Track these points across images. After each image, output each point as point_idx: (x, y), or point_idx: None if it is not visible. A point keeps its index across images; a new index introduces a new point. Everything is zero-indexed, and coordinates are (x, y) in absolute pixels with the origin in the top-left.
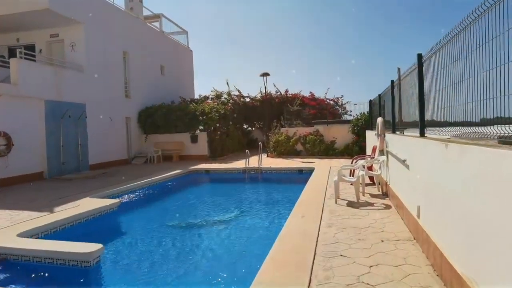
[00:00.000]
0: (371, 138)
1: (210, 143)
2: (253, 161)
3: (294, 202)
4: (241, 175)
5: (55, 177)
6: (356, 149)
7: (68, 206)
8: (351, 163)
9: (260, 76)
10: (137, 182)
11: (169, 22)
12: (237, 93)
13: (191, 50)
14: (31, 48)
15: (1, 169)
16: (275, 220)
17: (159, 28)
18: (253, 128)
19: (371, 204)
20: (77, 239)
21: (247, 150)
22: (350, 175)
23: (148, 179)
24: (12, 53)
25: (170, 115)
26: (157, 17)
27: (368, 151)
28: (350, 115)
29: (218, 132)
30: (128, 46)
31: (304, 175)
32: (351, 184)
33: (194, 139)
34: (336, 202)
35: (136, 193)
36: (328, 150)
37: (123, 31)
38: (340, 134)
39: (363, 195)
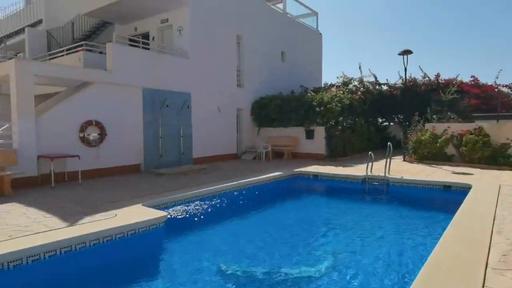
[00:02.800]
0: None
1: (329, 140)
2: (381, 167)
3: (423, 255)
4: (359, 185)
5: (151, 170)
6: None
7: (102, 216)
8: None
9: (399, 54)
10: (217, 186)
11: (295, 2)
12: (372, 79)
13: (320, 34)
14: (146, 37)
15: (91, 160)
16: None
17: (283, 10)
18: (391, 123)
19: None
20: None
21: (370, 152)
22: None
23: (233, 183)
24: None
25: (284, 106)
26: None
27: None
28: None
29: (339, 127)
30: (242, 29)
31: (452, 194)
32: None
33: (309, 135)
34: None
35: (210, 201)
36: (496, 158)
37: (237, 13)
38: None
39: None
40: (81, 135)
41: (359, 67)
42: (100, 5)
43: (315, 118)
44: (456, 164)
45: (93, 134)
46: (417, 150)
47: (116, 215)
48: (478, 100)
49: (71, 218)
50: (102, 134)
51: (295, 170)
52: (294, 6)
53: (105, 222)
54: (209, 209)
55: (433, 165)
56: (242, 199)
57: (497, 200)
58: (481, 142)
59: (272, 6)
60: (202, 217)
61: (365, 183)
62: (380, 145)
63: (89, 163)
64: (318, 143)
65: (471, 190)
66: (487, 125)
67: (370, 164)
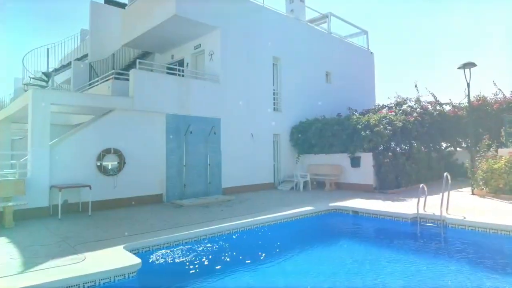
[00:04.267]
0: None
1: (378, 169)
2: (436, 202)
3: None
4: (409, 226)
5: (173, 201)
6: None
7: (69, 260)
8: None
9: (459, 68)
10: (230, 223)
11: (343, 22)
12: (430, 98)
13: (371, 53)
14: (181, 63)
15: (107, 190)
16: None
17: (327, 29)
18: (457, 148)
19: None
20: None
21: (421, 185)
22: None
23: (248, 220)
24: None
25: (325, 130)
26: (325, 17)
27: None
28: None
29: (390, 153)
30: (280, 51)
31: None
32: None
33: (354, 162)
34: None
35: (213, 244)
36: None
37: (274, 34)
38: None
39: None
40: (98, 163)
41: (415, 86)
42: (136, 35)
43: (360, 143)
44: None
45: (111, 162)
46: (489, 182)
47: (84, 259)
48: None
49: (33, 261)
50: (121, 162)
51: (331, 204)
52: (342, 26)
53: (62, 270)
54: (210, 256)
55: (511, 201)
56: (254, 244)
57: None
58: None
59: (316, 27)
60: (196, 265)
61: (416, 223)
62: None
63: (106, 193)
64: (366, 172)
65: None
66: None
67: (423, 199)
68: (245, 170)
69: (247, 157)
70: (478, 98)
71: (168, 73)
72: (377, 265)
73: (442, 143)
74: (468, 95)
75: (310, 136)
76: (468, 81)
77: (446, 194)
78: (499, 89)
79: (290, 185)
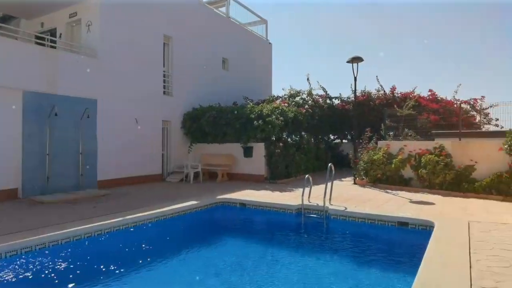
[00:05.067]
0: None
1: (269, 159)
2: (321, 192)
3: None
4: (294, 218)
5: (32, 197)
6: None
7: None
8: None
9: (348, 62)
10: (91, 225)
11: (242, 8)
12: (321, 92)
13: (269, 43)
14: (54, 34)
15: None
16: None
17: (226, 14)
18: (343, 140)
19: None
20: None
21: (307, 176)
22: None
23: (114, 220)
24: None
25: (220, 119)
26: (223, 0)
27: None
28: (497, 125)
29: (281, 144)
30: (172, 29)
31: (410, 235)
32: None
33: (247, 152)
34: None
35: (64, 252)
36: (460, 182)
37: (166, 11)
38: (483, 155)
39: None
40: None
41: (307, 79)
42: None
43: (253, 133)
44: (414, 189)
45: None
46: (369, 172)
47: None
48: (437, 116)
49: None
50: None
51: (219, 197)
52: (241, 13)
53: None
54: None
55: (388, 190)
56: (118, 250)
57: (470, 251)
58: (442, 163)
59: (215, 9)
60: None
61: (301, 215)
62: (334, 164)
63: None
64: (258, 163)
65: (434, 232)
66: (449, 144)
67: (305, 189)
68: (128, 160)
69: (130, 146)
70: (364, 93)
71: (36, 43)
72: (257, 265)
73: (330, 135)
74: (355, 89)
75: (203, 124)
76: (355, 75)
77: (330, 184)
78: (380, 85)
79: (180, 176)
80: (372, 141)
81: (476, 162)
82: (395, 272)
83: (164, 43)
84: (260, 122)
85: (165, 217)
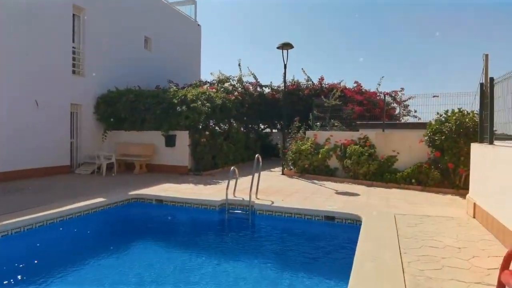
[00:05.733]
0: (488, 162)
1: (194, 149)
2: (248, 185)
3: None
4: (217, 215)
5: None
6: (435, 174)
7: None
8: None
9: (278, 48)
10: None
11: None
12: (252, 79)
13: (198, 25)
14: None
15: None
16: None
17: None
18: (273, 130)
19: None
20: None
21: (232, 167)
22: None
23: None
24: None
25: (138, 103)
26: None
27: (480, 187)
28: (416, 116)
29: (207, 132)
30: (85, 0)
31: (338, 229)
32: None
33: (169, 141)
34: None
35: None
36: (383, 172)
37: None
38: (405, 146)
39: None
40: None
41: (239, 64)
42: None
43: (176, 120)
44: (340, 179)
45: None
46: (297, 162)
47: None
48: (361, 107)
49: None
50: None
51: (132, 192)
52: None
53: None
54: None
55: (315, 181)
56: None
57: (400, 251)
58: (366, 154)
59: None
60: None
61: (225, 211)
62: (263, 154)
63: None
64: (181, 153)
65: (362, 229)
66: (372, 135)
67: (230, 182)
68: (25, 149)
69: (28, 132)
70: (293, 82)
71: None
72: (169, 273)
73: (260, 124)
74: (284, 76)
75: (119, 109)
76: (285, 62)
77: (256, 176)
78: (308, 76)
79: (92, 168)
80: (300, 131)
81: (398, 153)
82: (322, 276)
83: (74, 14)
84: (184, 108)
85: (62, 218)
